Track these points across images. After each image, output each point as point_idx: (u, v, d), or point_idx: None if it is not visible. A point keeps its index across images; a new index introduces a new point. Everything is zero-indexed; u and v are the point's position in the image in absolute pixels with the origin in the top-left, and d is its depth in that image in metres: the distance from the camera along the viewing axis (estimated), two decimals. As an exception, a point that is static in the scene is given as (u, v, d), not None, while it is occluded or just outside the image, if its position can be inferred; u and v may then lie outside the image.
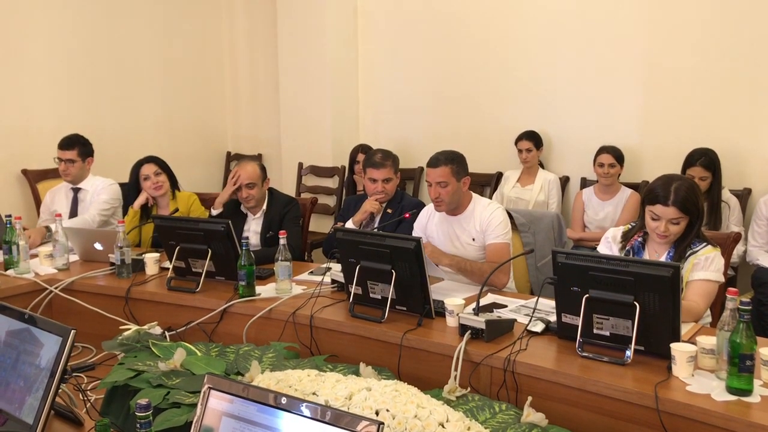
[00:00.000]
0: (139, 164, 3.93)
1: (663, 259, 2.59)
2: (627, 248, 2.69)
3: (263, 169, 3.72)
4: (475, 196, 3.22)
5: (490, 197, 4.76)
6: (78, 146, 4.06)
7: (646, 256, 2.66)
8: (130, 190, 3.99)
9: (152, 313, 3.00)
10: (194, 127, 6.06)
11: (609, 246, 2.77)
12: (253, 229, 3.72)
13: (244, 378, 2.20)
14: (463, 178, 3.10)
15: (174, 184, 4.01)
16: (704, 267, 2.52)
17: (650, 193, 2.55)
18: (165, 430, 1.93)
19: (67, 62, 5.08)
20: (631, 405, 2.01)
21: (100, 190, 4.07)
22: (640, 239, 2.67)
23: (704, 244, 2.57)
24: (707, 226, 3.88)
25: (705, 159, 4.00)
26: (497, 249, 3.04)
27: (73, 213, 4.10)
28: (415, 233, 3.31)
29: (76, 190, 4.14)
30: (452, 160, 3.05)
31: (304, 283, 3.05)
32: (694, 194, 2.51)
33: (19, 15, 4.80)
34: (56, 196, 4.20)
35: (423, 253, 2.52)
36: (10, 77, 4.78)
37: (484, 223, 3.09)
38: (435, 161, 3.07)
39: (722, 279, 2.57)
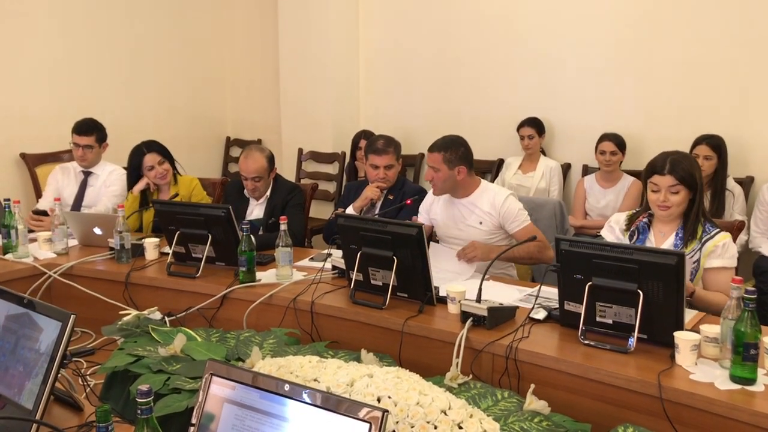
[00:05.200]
0: (140, 151, 3.89)
1: (671, 239, 2.61)
2: (632, 229, 2.69)
3: (271, 160, 3.67)
4: (483, 181, 3.25)
5: (491, 184, 4.76)
6: (96, 132, 4.06)
7: (652, 236, 2.67)
8: (130, 174, 3.96)
9: (152, 298, 2.98)
10: (194, 111, 6.03)
11: (612, 230, 2.77)
12: (255, 214, 3.70)
13: (244, 364, 2.19)
14: (457, 166, 3.10)
15: (174, 167, 3.98)
16: (721, 255, 2.54)
17: (649, 167, 2.62)
18: (165, 415, 1.92)
19: (66, 46, 5.04)
20: (634, 393, 2.01)
21: (114, 180, 4.06)
22: (645, 220, 2.69)
23: (717, 229, 2.59)
24: (710, 213, 3.87)
25: (712, 140, 4.02)
26: (528, 230, 3.09)
27: (80, 197, 4.10)
28: (420, 215, 3.34)
29: (87, 174, 4.13)
30: (445, 148, 3.09)
31: (305, 269, 3.04)
32: (691, 166, 2.56)
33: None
34: (65, 176, 4.19)
35: (425, 240, 2.51)
36: (9, 61, 4.73)
37: (500, 212, 3.11)
38: (432, 146, 3.15)
39: (736, 264, 2.59)
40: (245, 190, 3.71)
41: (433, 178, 3.13)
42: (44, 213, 3.81)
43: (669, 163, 2.54)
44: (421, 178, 5.38)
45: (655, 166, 2.58)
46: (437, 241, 3.31)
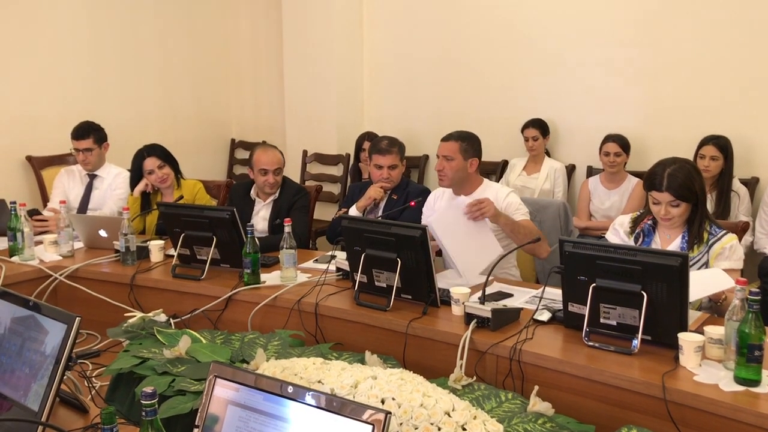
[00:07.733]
0: (141, 155, 3.90)
1: (677, 241, 2.61)
2: (637, 231, 2.69)
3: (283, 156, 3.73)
4: (486, 180, 3.28)
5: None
6: (93, 133, 4.07)
7: (657, 238, 2.66)
8: (132, 178, 3.97)
9: (157, 300, 3.00)
10: (198, 114, 6.04)
11: (617, 233, 2.77)
12: (261, 214, 3.70)
13: (249, 366, 2.19)
14: (471, 158, 3.15)
15: (177, 171, 3.98)
16: (728, 257, 2.54)
17: (647, 179, 2.60)
18: (170, 417, 1.93)
19: (71, 49, 5.06)
20: (638, 395, 2.01)
21: (119, 183, 4.09)
22: (650, 222, 2.68)
23: (723, 231, 2.58)
24: (716, 214, 3.87)
25: (719, 140, 4.02)
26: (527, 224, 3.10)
27: (86, 199, 4.12)
28: (424, 215, 3.34)
29: (92, 177, 4.15)
30: (464, 138, 3.14)
31: (309, 271, 3.04)
32: (690, 178, 2.52)
33: (25, 2, 4.77)
34: (71, 179, 4.21)
35: (428, 242, 2.51)
36: (15, 64, 4.75)
37: (502, 206, 3.12)
38: (447, 136, 3.17)
39: (743, 265, 2.59)
40: (252, 191, 3.72)
41: (444, 168, 3.12)
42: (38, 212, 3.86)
43: (666, 179, 2.51)
44: (425, 180, 5.39)
45: (653, 182, 2.55)
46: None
